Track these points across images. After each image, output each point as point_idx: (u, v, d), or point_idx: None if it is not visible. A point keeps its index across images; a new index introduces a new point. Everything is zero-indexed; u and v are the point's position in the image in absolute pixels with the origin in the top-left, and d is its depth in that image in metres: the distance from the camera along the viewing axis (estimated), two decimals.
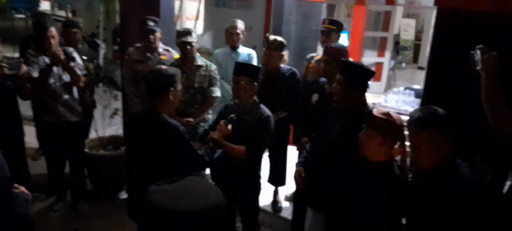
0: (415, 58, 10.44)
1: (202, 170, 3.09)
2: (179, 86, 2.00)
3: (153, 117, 1.94)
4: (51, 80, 2.88)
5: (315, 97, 2.61)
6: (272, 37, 2.91)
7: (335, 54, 2.43)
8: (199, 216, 0.94)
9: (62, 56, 2.75)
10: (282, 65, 3.03)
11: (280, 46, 2.87)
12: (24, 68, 2.81)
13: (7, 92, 2.86)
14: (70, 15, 9.52)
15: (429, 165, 1.57)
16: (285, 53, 3.06)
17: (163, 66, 1.99)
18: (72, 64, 2.85)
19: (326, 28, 3.08)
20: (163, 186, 1.04)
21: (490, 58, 1.63)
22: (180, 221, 0.93)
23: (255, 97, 2.33)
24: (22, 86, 2.85)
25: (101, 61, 6.41)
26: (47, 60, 2.85)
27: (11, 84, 2.83)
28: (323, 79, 2.66)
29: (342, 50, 2.48)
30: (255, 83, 2.29)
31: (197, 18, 6.50)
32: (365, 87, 2.12)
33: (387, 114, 1.73)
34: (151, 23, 3.15)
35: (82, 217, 3.18)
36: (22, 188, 1.85)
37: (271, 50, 2.87)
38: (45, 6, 9.75)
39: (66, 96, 2.96)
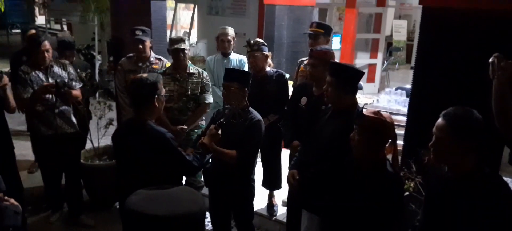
0: (408, 59, 10.46)
1: (192, 175, 3.10)
2: (163, 92, 2.02)
3: (139, 125, 1.96)
4: (48, 96, 2.86)
5: (303, 100, 2.63)
6: (253, 40, 3.01)
7: (321, 57, 2.45)
8: (167, 221, 0.98)
9: (53, 90, 2.76)
10: (268, 68, 3.09)
11: (261, 46, 2.97)
12: (5, 79, 2.83)
13: None
14: (65, 28, 9.57)
15: (440, 163, 1.53)
16: (269, 54, 3.13)
17: (144, 75, 1.99)
18: (65, 89, 2.85)
19: (314, 31, 3.11)
20: (149, 191, 1.06)
21: (507, 66, 1.58)
22: (149, 223, 0.96)
23: (246, 102, 2.35)
24: (4, 98, 2.86)
25: (96, 72, 6.45)
26: (41, 75, 2.85)
27: None
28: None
29: (328, 53, 2.50)
30: (246, 89, 2.31)
31: (191, 26, 6.54)
32: (355, 88, 2.14)
33: (377, 113, 1.75)
34: (139, 33, 3.18)
35: (85, 228, 3.17)
36: (12, 200, 1.84)
37: (254, 52, 2.96)
38: (41, 20, 9.81)
39: (63, 108, 2.96)
